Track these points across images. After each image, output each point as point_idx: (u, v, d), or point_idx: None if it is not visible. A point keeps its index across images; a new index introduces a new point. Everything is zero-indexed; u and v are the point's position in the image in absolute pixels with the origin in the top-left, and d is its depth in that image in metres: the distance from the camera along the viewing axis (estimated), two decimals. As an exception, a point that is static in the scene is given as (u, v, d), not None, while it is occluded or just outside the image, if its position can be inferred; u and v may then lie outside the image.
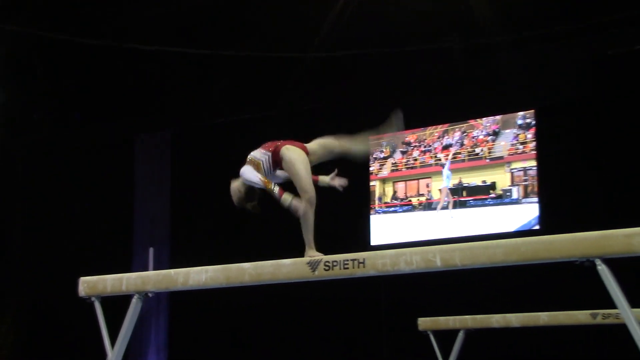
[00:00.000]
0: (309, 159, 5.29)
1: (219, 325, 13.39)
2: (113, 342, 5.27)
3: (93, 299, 5.48)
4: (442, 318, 7.79)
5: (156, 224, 14.54)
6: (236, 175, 5.42)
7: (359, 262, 4.57)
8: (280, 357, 12.80)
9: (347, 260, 4.61)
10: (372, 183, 12.26)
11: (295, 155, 5.22)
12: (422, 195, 12.08)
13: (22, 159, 16.09)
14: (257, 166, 5.31)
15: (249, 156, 5.42)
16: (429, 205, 12.02)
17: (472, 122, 11.84)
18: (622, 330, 3.97)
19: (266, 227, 13.13)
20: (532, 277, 9.52)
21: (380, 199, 12.33)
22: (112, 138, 15.37)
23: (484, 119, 11.74)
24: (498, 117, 11.63)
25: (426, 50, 11.80)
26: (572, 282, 8.45)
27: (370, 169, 12.21)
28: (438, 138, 12.07)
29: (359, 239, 11.75)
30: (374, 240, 11.97)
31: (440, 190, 11.80)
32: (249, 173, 5.27)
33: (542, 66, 11.22)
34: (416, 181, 12.16)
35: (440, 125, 12.08)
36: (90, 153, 15.30)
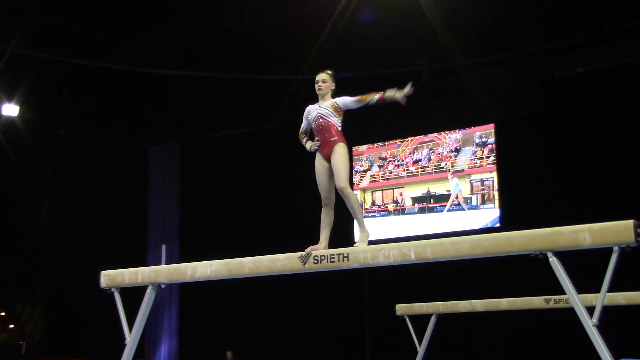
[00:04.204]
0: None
1: (224, 313, 13.34)
2: (130, 327, 5.23)
3: (113, 289, 5.42)
4: (417, 304, 7.75)
5: (168, 223, 14.50)
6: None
7: (344, 257, 4.56)
8: (276, 338, 12.78)
9: (334, 254, 4.60)
10: (354, 192, 12.27)
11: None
12: (397, 202, 12.09)
13: (50, 167, 16.02)
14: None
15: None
16: (402, 211, 12.03)
17: (437, 140, 11.85)
18: (570, 313, 3.97)
19: (265, 226, 13.14)
20: (493, 268, 9.54)
21: (361, 205, 12.34)
22: (129, 149, 15.34)
23: (447, 137, 11.77)
24: (459, 136, 11.62)
25: (399, 72, 11.84)
26: (528, 272, 8.47)
27: (353, 180, 12.24)
28: (409, 154, 12.09)
29: (345, 239, 11.75)
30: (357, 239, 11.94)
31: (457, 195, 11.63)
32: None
33: (499, 86, 11.24)
34: (391, 190, 12.19)
35: (411, 142, 12.08)
36: (109, 162, 15.26)
